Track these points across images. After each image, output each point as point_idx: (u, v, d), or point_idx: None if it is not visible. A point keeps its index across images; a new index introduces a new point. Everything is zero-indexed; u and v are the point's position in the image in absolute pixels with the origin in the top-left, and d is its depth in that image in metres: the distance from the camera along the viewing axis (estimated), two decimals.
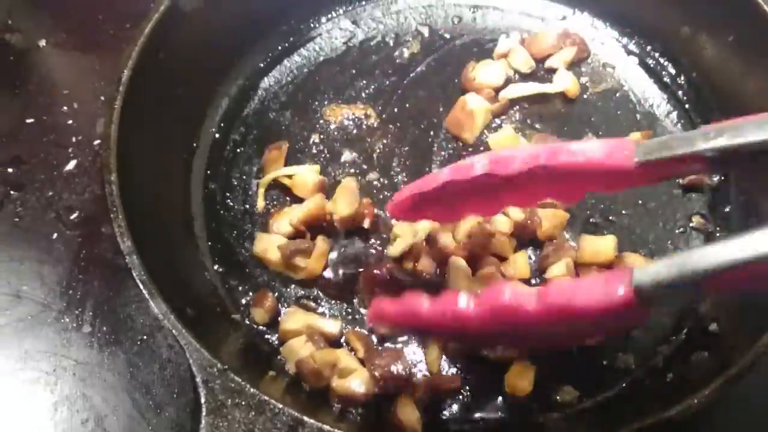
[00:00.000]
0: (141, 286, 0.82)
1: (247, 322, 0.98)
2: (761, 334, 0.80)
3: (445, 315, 0.73)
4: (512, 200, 0.89)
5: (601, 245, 0.99)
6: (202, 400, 0.76)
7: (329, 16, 1.27)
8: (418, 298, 0.76)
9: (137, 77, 0.98)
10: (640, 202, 1.06)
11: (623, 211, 1.06)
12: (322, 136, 1.14)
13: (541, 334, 0.75)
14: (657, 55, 1.22)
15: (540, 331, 0.72)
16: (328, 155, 1.13)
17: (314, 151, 1.13)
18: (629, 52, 1.23)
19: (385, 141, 1.13)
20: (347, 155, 1.12)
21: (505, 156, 0.78)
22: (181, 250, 1.00)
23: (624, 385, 0.93)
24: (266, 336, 0.97)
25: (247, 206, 1.08)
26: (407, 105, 1.17)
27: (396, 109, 1.17)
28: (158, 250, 0.92)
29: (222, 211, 1.07)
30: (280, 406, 0.75)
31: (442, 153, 1.12)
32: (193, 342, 0.78)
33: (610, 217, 1.05)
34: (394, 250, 0.99)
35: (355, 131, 1.14)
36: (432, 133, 1.14)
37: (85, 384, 0.98)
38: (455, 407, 0.91)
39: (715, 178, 1.08)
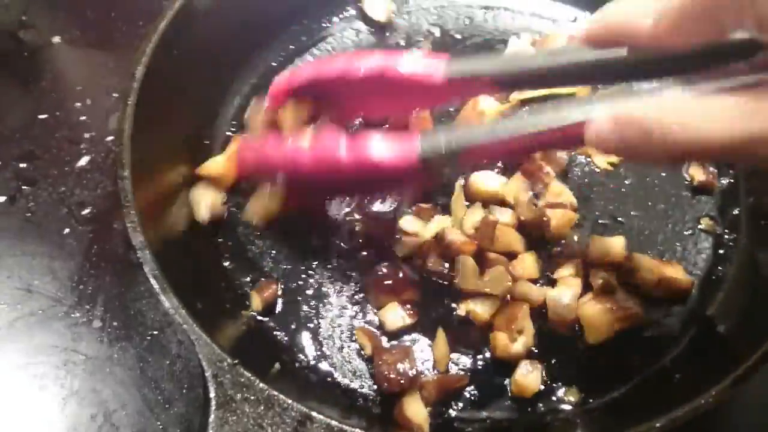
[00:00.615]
0: (153, 281, 0.83)
1: (258, 317, 0.98)
2: (765, 339, 0.81)
3: (288, 155, 0.88)
4: (368, 105, 1.02)
5: (611, 246, 0.99)
6: (212, 395, 0.76)
7: (341, 15, 1.27)
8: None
9: (151, 74, 0.98)
10: (649, 203, 1.07)
11: (632, 213, 1.06)
12: None
13: (353, 181, 0.88)
14: None
15: (350, 176, 0.85)
16: None
17: None
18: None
19: None
20: None
21: (356, 60, 0.91)
22: (192, 246, 1.01)
23: (630, 386, 0.93)
24: (275, 332, 0.97)
25: None
26: None
27: None
28: (169, 246, 0.92)
29: (234, 211, 1.07)
30: (289, 401, 0.76)
31: None
32: (203, 336, 0.79)
33: (619, 218, 1.06)
34: (403, 249, 1.00)
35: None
36: None
37: (94, 379, 0.99)
38: (462, 405, 0.91)
39: (724, 181, 1.08)
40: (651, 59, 0.69)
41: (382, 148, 0.82)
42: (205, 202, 1.03)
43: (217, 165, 1.05)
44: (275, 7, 1.21)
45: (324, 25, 1.27)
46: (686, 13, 0.61)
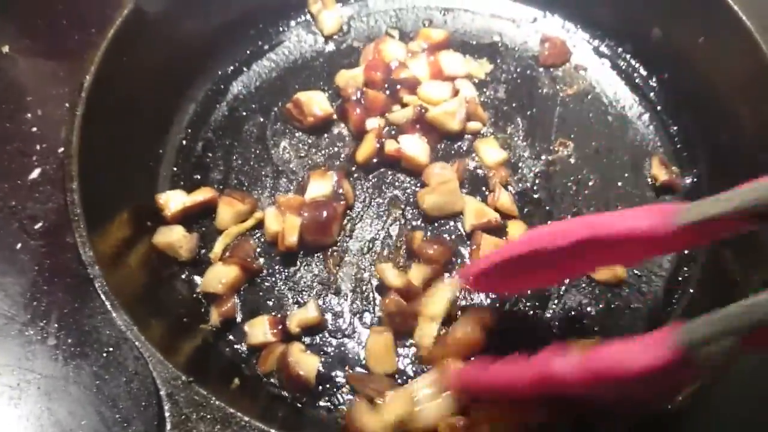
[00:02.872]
0: (103, 297, 0.80)
1: (216, 332, 0.96)
2: None
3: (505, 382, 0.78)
4: (569, 270, 0.90)
5: None
6: (167, 414, 0.74)
7: (298, 20, 1.25)
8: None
9: (100, 83, 0.96)
10: (613, 205, 1.06)
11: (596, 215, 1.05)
12: (291, 142, 1.12)
13: (589, 399, 0.75)
14: (628, 57, 1.22)
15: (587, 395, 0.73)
16: (297, 161, 1.11)
17: (284, 156, 1.11)
18: (601, 55, 1.22)
19: (355, 147, 1.12)
20: (319, 159, 1.11)
21: (552, 232, 0.80)
22: (147, 261, 0.98)
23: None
24: (236, 346, 0.95)
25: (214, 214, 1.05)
26: None
27: None
28: (122, 260, 0.90)
29: (189, 220, 1.04)
30: (246, 418, 0.74)
31: None
32: (157, 354, 0.76)
33: None
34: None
35: (325, 135, 1.13)
36: None
37: (50, 398, 0.96)
38: None
39: (688, 180, 1.08)
40: None
41: (623, 347, 0.68)
42: (179, 243, 1.00)
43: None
44: (229, 12, 1.18)
45: (280, 29, 1.25)
46: None
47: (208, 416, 0.74)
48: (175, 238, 0.99)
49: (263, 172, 1.10)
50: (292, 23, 1.25)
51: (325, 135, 1.13)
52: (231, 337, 0.96)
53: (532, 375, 0.74)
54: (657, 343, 0.65)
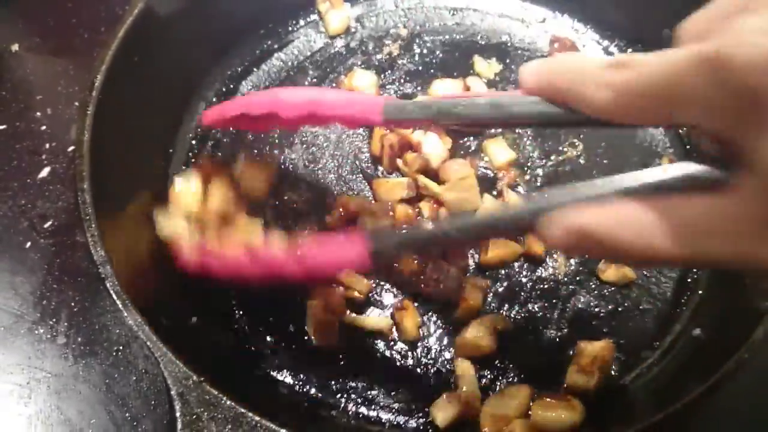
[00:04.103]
0: (114, 297, 0.80)
1: (228, 333, 0.96)
2: (744, 339, 0.80)
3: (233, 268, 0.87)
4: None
5: None
6: (177, 414, 0.74)
7: (308, 19, 1.25)
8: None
9: (111, 81, 0.95)
10: None
11: None
12: (304, 139, 1.13)
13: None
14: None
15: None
16: (308, 161, 1.11)
17: (293, 156, 1.11)
18: (610, 55, 1.22)
19: (367, 145, 1.12)
20: (328, 161, 1.11)
21: (285, 100, 0.90)
22: (156, 260, 0.98)
23: (608, 391, 0.92)
24: (247, 345, 0.96)
25: None
26: None
27: None
28: (133, 260, 0.90)
29: None
30: (257, 418, 0.73)
31: None
32: (168, 353, 0.76)
33: None
34: None
35: (333, 135, 1.13)
36: None
37: (59, 397, 0.96)
38: None
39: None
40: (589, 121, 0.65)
41: (331, 255, 0.82)
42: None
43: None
44: (239, 11, 1.18)
45: (289, 29, 1.25)
46: (647, 97, 0.56)
47: (219, 416, 0.74)
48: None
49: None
50: (301, 22, 1.25)
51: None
52: (246, 339, 0.97)
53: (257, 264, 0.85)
54: (353, 248, 0.79)
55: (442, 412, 0.89)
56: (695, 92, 0.53)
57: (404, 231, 0.81)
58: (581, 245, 0.61)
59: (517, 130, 1.12)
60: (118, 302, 0.80)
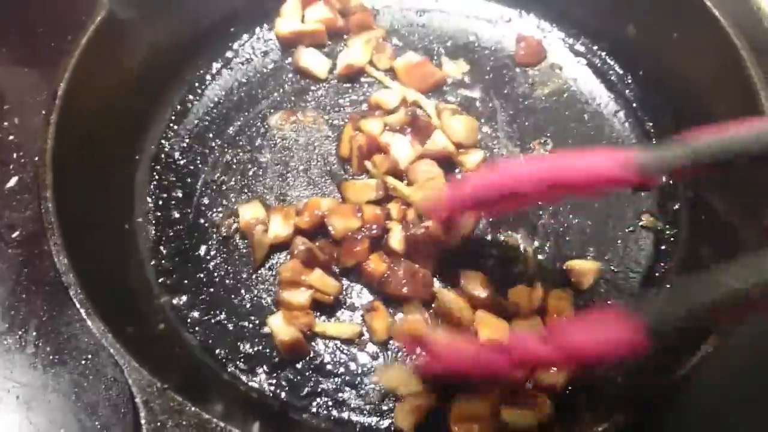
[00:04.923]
0: (78, 305, 0.80)
1: (195, 339, 0.96)
2: (708, 333, 0.81)
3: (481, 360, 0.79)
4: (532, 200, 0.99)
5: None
6: (142, 421, 0.74)
7: (272, 25, 1.24)
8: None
9: (74, 90, 0.95)
10: (590, 202, 1.06)
11: (571, 212, 1.06)
12: (272, 145, 1.13)
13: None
14: (604, 54, 1.22)
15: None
16: (277, 165, 1.11)
17: (262, 160, 1.11)
18: (576, 53, 1.23)
19: (334, 148, 1.12)
20: (297, 164, 1.11)
21: (523, 173, 0.84)
22: (124, 267, 0.98)
23: (576, 388, 0.92)
24: (216, 351, 0.95)
25: (192, 219, 1.06)
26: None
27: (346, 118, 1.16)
28: (99, 268, 0.90)
29: (166, 226, 1.05)
30: (222, 424, 0.73)
31: None
32: (132, 361, 0.76)
33: (560, 218, 1.05)
34: None
35: (301, 140, 1.13)
36: None
37: (29, 407, 0.96)
38: None
39: (664, 177, 1.08)
40: None
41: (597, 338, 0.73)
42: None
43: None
44: (204, 17, 1.18)
45: (257, 33, 1.25)
46: None
47: (184, 422, 0.74)
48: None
49: (240, 176, 1.10)
50: (266, 27, 1.25)
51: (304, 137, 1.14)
52: (213, 346, 0.96)
53: (508, 359, 0.77)
54: (626, 327, 0.69)
55: (405, 420, 0.90)
56: None
57: (686, 297, 0.69)
58: None
59: (485, 130, 1.13)
60: (81, 310, 0.80)
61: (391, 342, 0.96)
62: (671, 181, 1.08)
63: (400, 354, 0.95)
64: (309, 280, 0.97)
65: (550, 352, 0.73)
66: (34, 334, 1.01)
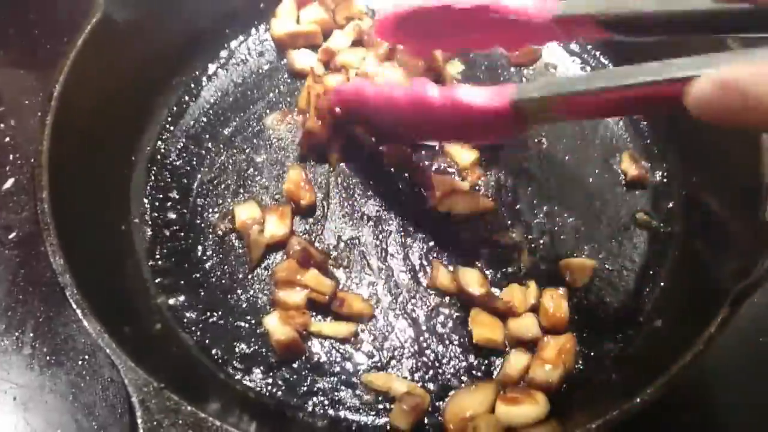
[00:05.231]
0: (74, 305, 0.80)
1: (192, 339, 0.96)
2: (703, 329, 0.81)
3: (384, 94, 0.97)
4: (470, 40, 1.06)
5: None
6: (139, 421, 0.74)
7: (267, 26, 1.25)
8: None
9: (70, 91, 0.96)
10: (583, 201, 1.07)
11: (566, 211, 1.06)
12: (268, 145, 1.13)
13: (441, 126, 0.95)
14: (598, 54, 1.23)
15: (440, 121, 0.92)
16: (273, 165, 1.11)
17: (258, 160, 1.11)
18: (571, 53, 1.23)
19: None
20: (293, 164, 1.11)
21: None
22: (120, 267, 0.98)
23: (572, 384, 0.93)
24: (213, 351, 0.96)
25: (189, 220, 1.06)
26: None
27: None
28: (95, 269, 0.90)
29: (162, 227, 1.05)
30: (218, 423, 0.74)
31: None
32: (128, 361, 0.76)
33: (555, 217, 1.05)
34: None
35: (297, 140, 1.13)
36: None
37: (26, 408, 0.96)
38: None
39: (658, 175, 1.09)
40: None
41: (474, 93, 0.86)
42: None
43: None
44: (200, 17, 1.18)
45: (252, 34, 1.25)
46: None
47: (180, 421, 0.74)
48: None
49: (236, 177, 1.10)
50: (262, 29, 1.25)
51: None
52: (210, 346, 0.96)
53: (406, 94, 0.93)
54: (497, 93, 0.83)
55: (402, 419, 0.90)
56: None
57: (551, 80, 0.88)
58: (726, 99, 0.58)
59: None
60: (77, 311, 0.80)
61: (387, 343, 0.96)
62: (665, 180, 1.09)
63: (395, 353, 0.96)
64: (304, 279, 0.97)
65: (438, 99, 0.89)
66: (31, 335, 1.01)
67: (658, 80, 0.68)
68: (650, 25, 0.80)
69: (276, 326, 0.94)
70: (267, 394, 0.93)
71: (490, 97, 0.84)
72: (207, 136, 1.14)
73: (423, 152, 1.11)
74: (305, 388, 0.93)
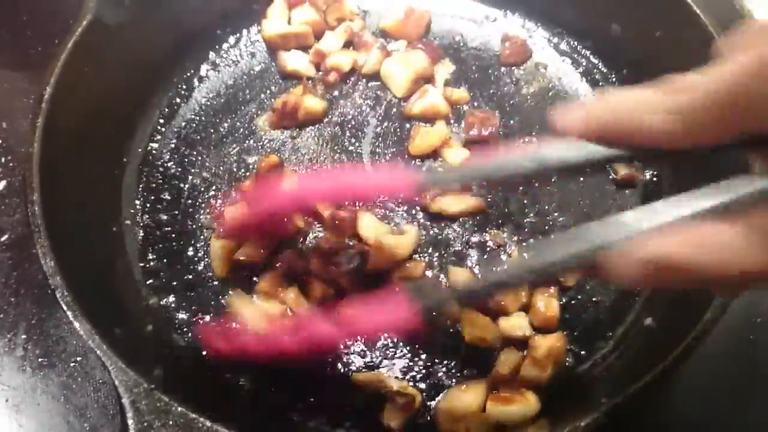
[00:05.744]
0: (64, 307, 0.81)
1: (183, 340, 0.97)
2: (693, 326, 0.81)
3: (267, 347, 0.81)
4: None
5: None
6: (129, 422, 0.74)
7: (259, 27, 1.25)
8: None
9: (60, 94, 0.96)
10: (573, 199, 1.07)
11: (555, 209, 1.07)
12: (258, 146, 1.13)
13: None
14: (588, 53, 1.23)
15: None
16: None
17: (249, 161, 1.11)
18: (561, 52, 1.24)
19: (320, 147, 1.13)
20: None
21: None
22: (112, 269, 0.99)
23: (563, 382, 0.93)
24: (204, 352, 0.96)
25: (180, 221, 1.06)
26: (341, 110, 1.18)
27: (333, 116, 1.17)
28: (86, 270, 0.90)
29: (154, 228, 1.05)
30: (209, 423, 0.74)
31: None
32: (119, 362, 0.77)
33: (546, 216, 1.06)
34: None
35: (288, 140, 1.13)
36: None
37: (18, 410, 0.96)
38: None
39: (648, 174, 1.09)
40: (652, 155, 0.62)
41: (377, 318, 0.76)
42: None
43: None
44: (191, 18, 1.19)
45: (244, 35, 1.25)
46: (712, 112, 0.54)
47: (171, 422, 0.74)
48: None
49: (228, 178, 1.11)
50: (254, 30, 1.25)
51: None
52: (199, 347, 0.96)
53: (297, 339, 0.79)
54: (400, 307, 0.73)
55: (394, 418, 0.90)
56: (762, 94, 0.51)
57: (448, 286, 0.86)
58: (660, 276, 0.55)
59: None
60: (68, 313, 0.80)
61: (381, 343, 0.97)
62: (655, 179, 1.09)
63: (388, 353, 0.96)
64: (285, 298, 0.97)
65: (334, 332, 0.77)
66: (23, 337, 1.01)
67: (571, 264, 0.63)
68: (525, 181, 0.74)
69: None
70: (258, 395, 0.93)
71: (392, 314, 0.75)
72: (198, 137, 1.14)
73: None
74: (297, 389, 0.93)
